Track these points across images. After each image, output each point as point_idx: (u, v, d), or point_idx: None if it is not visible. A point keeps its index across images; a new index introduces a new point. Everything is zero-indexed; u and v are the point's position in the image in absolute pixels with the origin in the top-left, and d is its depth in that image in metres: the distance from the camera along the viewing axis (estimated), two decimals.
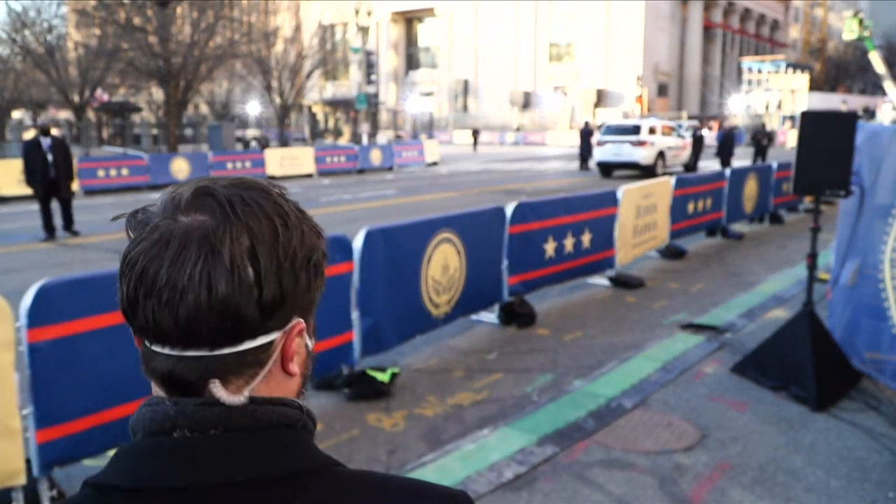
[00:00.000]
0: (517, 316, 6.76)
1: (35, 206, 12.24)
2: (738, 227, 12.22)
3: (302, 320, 0.77)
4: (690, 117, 52.44)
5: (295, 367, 0.77)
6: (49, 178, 11.61)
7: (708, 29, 66.52)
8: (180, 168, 20.80)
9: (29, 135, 13.49)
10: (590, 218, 7.86)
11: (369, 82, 41.11)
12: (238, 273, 0.69)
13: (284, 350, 0.76)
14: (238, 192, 0.74)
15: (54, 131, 12.23)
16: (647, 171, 21.81)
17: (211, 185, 0.74)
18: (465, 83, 66.19)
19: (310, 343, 0.81)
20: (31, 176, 11.67)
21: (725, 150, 23.37)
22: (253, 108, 53.28)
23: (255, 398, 0.74)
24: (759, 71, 58.63)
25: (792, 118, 51.43)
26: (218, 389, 0.72)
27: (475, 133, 45.96)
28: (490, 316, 6.82)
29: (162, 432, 0.71)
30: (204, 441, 0.71)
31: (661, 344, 6.10)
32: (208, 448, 0.70)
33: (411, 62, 70.75)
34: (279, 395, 0.76)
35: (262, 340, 0.73)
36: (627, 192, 8.47)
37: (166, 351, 0.72)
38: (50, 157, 11.57)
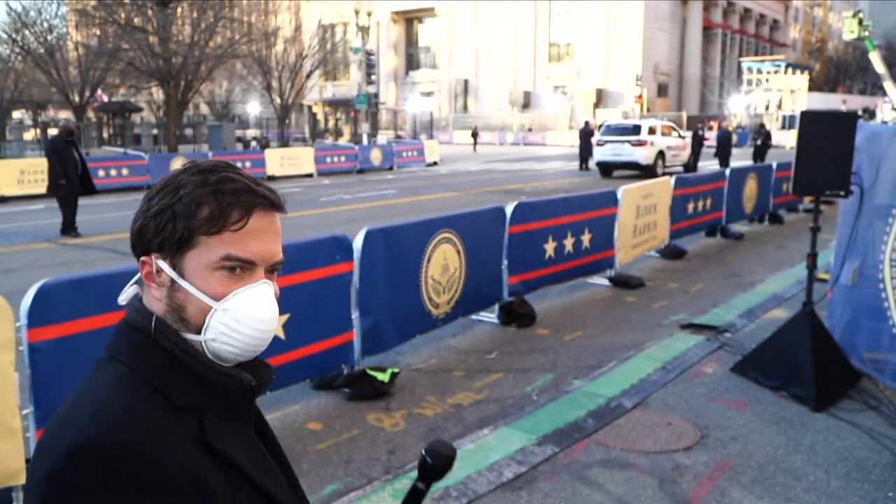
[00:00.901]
0: (517, 316, 6.76)
1: (34, 206, 12.25)
2: (738, 227, 12.23)
3: (155, 255, 1.03)
4: (690, 118, 52.43)
5: (153, 292, 1.05)
6: (79, 175, 11.87)
7: (708, 29, 66.54)
8: None
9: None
10: (590, 218, 7.86)
11: (369, 82, 41.04)
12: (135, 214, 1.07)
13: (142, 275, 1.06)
14: (181, 167, 1.07)
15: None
16: (647, 171, 21.81)
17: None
18: (465, 83, 66.20)
19: (183, 284, 1.02)
20: (63, 173, 11.74)
21: (724, 150, 23.45)
22: (253, 108, 53.29)
23: (130, 302, 1.07)
24: (759, 71, 58.68)
25: (783, 119, 51.39)
26: (123, 291, 1.10)
27: (475, 133, 45.95)
28: (490, 316, 6.82)
29: None
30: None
31: (661, 344, 6.10)
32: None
33: (411, 62, 70.75)
34: (148, 306, 1.05)
35: (136, 265, 1.06)
36: (627, 192, 8.47)
37: None
38: (77, 156, 11.85)
